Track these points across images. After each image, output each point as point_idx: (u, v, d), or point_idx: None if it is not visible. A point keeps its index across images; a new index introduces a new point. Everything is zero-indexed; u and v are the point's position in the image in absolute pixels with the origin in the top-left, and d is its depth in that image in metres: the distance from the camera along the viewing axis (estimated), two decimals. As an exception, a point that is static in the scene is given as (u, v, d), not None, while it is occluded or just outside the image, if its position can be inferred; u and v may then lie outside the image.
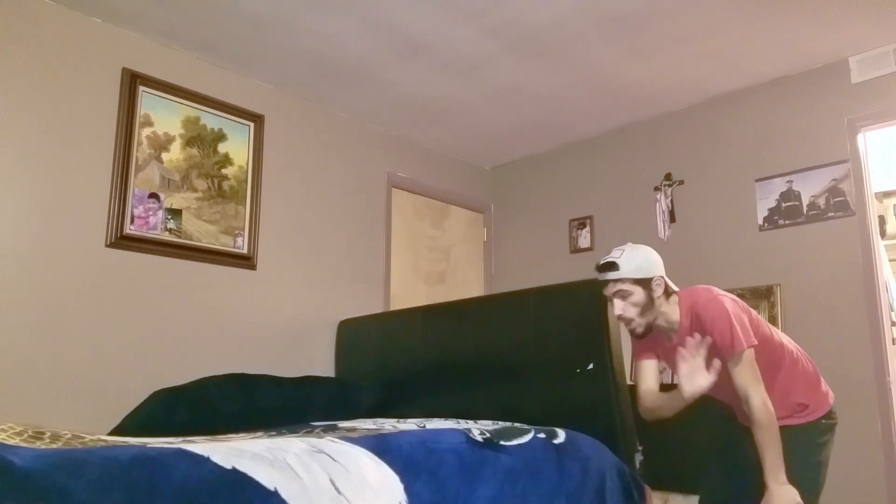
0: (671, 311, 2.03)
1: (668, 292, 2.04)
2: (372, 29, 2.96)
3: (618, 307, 2.00)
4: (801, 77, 3.36)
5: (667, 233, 3.72)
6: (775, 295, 3.22)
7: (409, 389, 3.02)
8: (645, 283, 1.99)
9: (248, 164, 3.31)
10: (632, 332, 2.04)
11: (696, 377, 1.89)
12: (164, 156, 3.01)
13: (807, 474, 1.93)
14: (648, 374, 2.12)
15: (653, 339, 2.11)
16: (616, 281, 2.00)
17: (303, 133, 3.62)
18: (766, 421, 1.86)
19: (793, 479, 1.84)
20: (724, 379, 1.91)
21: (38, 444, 1.34)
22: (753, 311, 2.05)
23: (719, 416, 2.23)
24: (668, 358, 2.10)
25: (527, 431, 2.01)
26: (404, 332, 3.13)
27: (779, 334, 2.09)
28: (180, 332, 2.96)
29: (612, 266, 2.00)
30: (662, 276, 2.03)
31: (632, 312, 1.99)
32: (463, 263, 4.46)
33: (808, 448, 1.98)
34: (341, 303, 3.62)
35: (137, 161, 2.91)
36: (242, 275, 3.23)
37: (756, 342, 1.92)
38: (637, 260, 2.01)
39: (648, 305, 1.99)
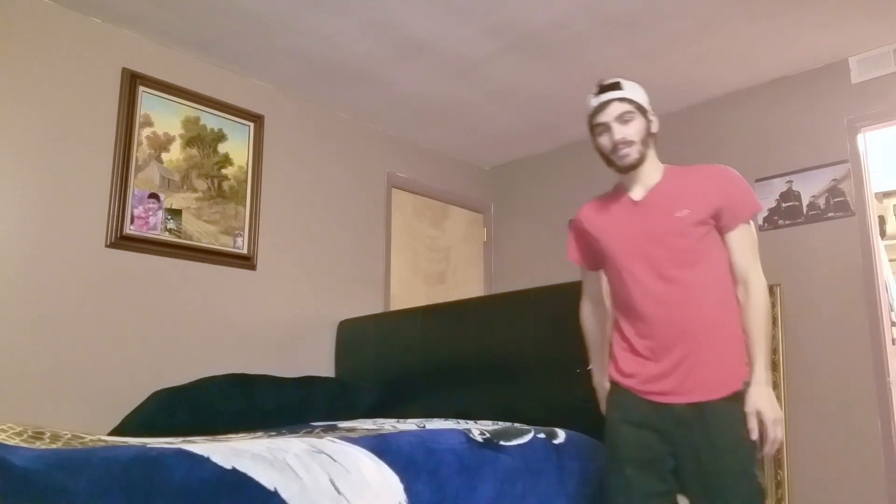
0: (652, 168, 1.75)
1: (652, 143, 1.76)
2: (372, 29, 2.96)
3: (618, 132, 1.67)
4: (801, 77, 3.36)
5: (667, 233, 3.72)
6: (775, 295, 3.22)
7: (409, 389, 3.02)
8: (645, 113, 1.71)
9: (248, 165, 3.31)
10: (623, 160, 1.69)
11: None
12: (164, 156, 3.01)
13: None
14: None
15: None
16: (620, 100, 1.68)
17: (303, 133, 3.62)
18: (766, 305, 1.64)
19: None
20: None
21: (38, 444, 1.34)
22: None
23: None
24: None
25: (527, 431, 2.01)
26: (404, 332, 3.13)
27: None
28: (180, 332, 2.96)
29: (616, 85, 1.69)
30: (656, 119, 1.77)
31: (634, 136, 1.68)
32: (463, 263, 4.46)
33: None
34: (341, 303, 3.62)
35: (137, 161, 2.91)
36: (242, 275, 3.23)
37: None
38: (640, 89, 1.73)
39: (645, 140, 1.71)
